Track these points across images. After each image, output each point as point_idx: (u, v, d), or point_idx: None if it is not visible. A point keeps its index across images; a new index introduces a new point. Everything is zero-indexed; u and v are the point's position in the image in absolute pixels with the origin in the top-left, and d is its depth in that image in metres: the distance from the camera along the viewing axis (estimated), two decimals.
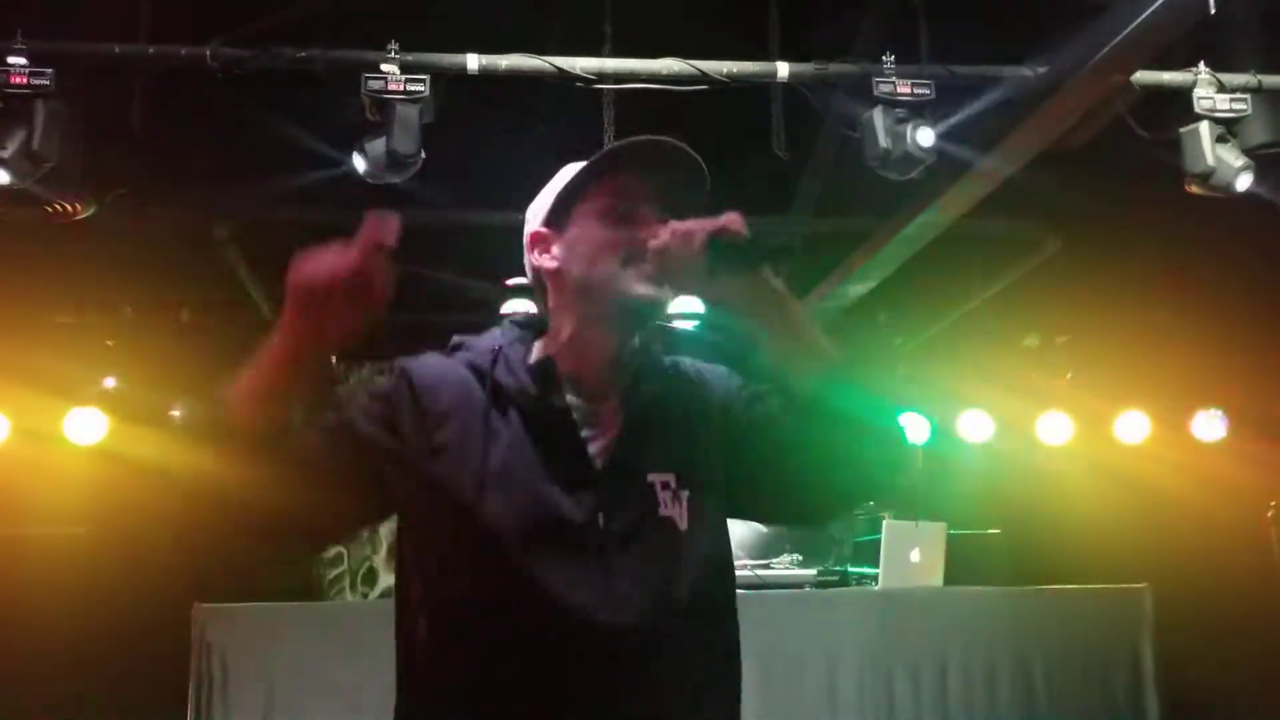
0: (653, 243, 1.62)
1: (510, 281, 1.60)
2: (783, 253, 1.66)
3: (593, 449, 1.63)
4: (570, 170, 1.73)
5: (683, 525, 1.61)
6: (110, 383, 7.03)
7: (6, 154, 3.62)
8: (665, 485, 1.61)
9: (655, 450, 1.64)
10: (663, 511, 1.59)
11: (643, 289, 1.64)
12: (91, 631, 6.51)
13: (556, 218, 1.72)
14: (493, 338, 1.72)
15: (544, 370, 1.65)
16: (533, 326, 1.75)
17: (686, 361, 1.80)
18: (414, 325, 7.73)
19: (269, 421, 1.52)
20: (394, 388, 1.64)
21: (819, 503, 1.72)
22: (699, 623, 1.60)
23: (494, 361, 1.66)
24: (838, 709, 4.69)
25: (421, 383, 1.64)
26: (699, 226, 1.58)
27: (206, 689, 4.40)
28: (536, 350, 1.70)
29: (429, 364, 1.68)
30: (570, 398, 1.65)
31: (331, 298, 1.49)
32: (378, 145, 3.80)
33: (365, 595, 7.69)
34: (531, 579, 1.51)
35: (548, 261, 1.72)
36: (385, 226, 1.50)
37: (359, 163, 3.86)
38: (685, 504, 1.62)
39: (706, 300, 1.71)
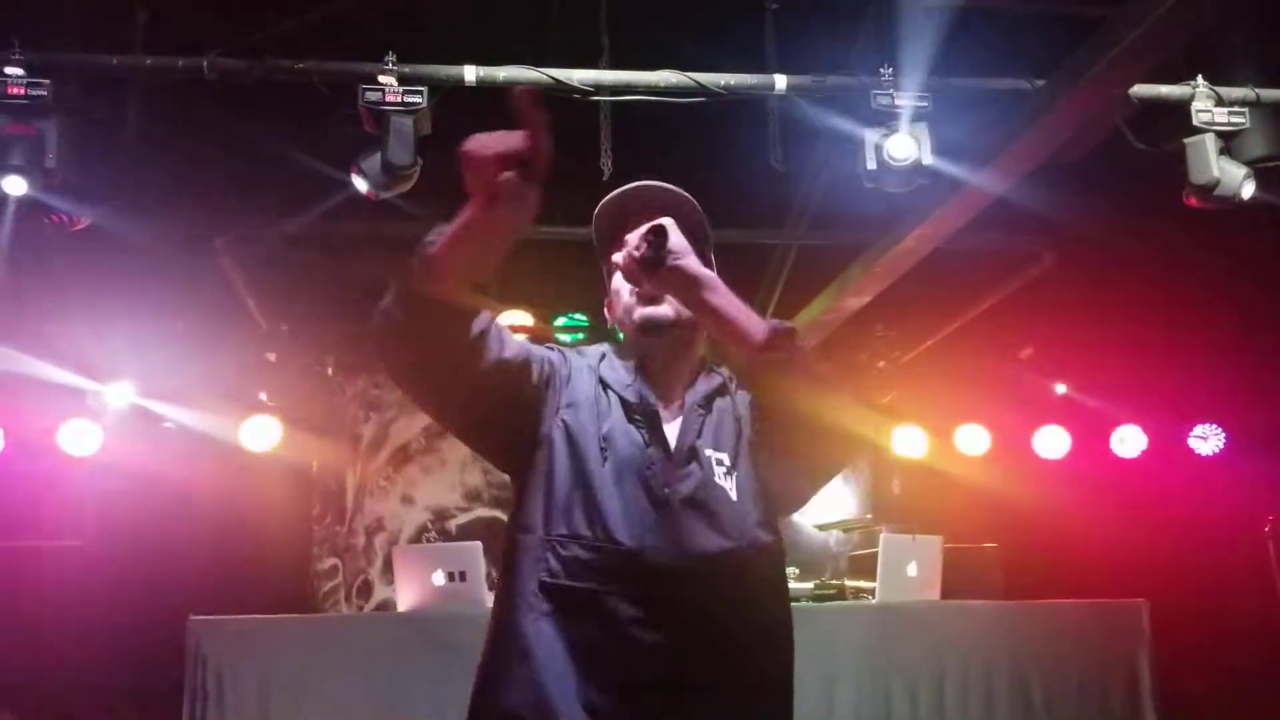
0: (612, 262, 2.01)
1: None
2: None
3: (667, 429, 2.03)
4: (598, 210, 2.16)
5: (734, 496, 1.98)
6: (105, 394, 7.01)
7: (19, 163, 3.62)
8: (719, 461, 2.01)
9: (713, 435, 2.04)
10: (717, 479, 1.98)
11: (645, 311, 2.06)
12: (86, 644, 6.48)
13: (605, 272, 2.17)
14: (601, 347, 2.17)
15: (639, 367, 2.08)
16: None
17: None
18: None
19: (453, 293, 1.80)
20: (560, 359, 2.09)
21: (802, 481, 2.08)
22: (759, 565, 1.99)
23: (600, 360, 2.11)
24: None
25: (570, 363, 2.08)
26: (630, 243, 1.92)
27: (201, 701, 4.37)
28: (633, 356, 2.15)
29: (572, 352, 2.13)
30: (652, 390, 2.07)
31: (501, 168, 1.69)
32: (374, 161, 3.81)
33: (360, 608, 7.67)
34: (634, 532, 1.90)
35: (610, 319, 2.20)
36: (535, 101, 1.68)
37: (359, 184, 3.87)
38: (735, 479, 2.00)
39: (655, 291, 2.03)
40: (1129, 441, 7.49)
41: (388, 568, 7.28)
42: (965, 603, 5.05)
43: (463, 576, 4.58)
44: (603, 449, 1.97)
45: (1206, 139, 3.81)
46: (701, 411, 2.06)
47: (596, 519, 1.91)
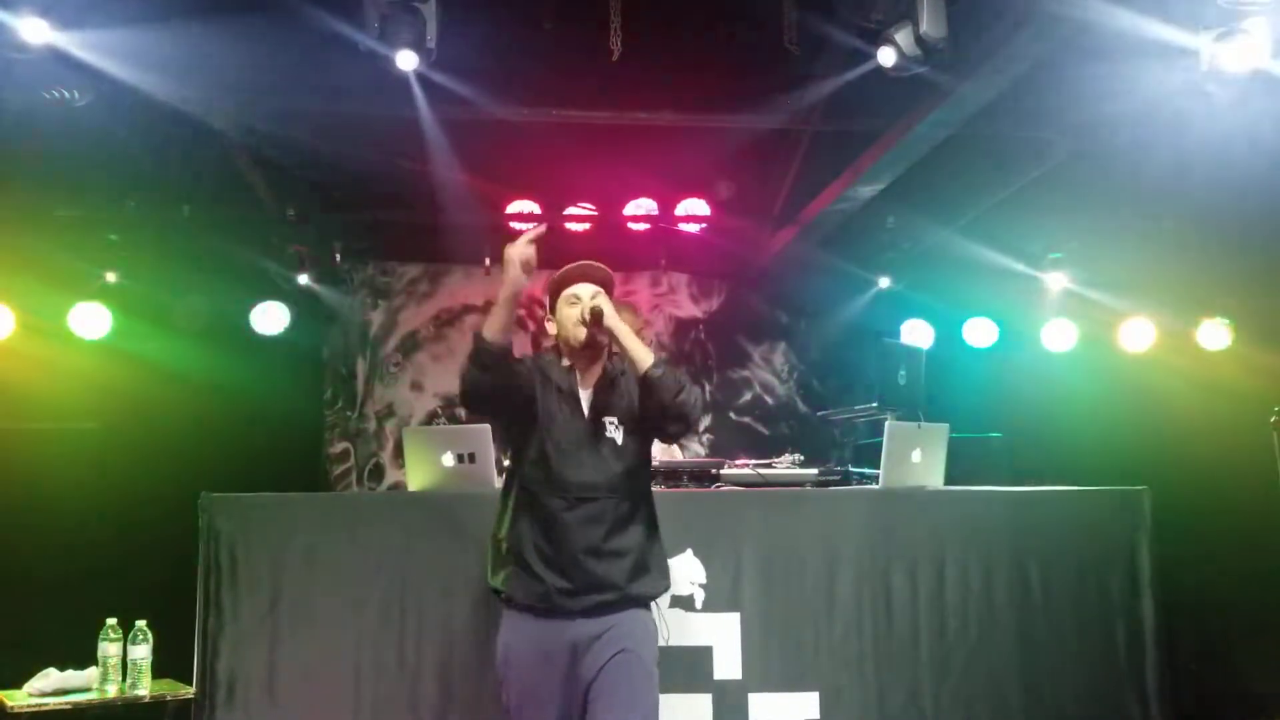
0: (579, 314, 3.49)
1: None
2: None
3: (585, 406, 3.52)
4: (556, 275, 3.57)
5: (620, 441, 3.51)
6: (113, 278, 7.01)
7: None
8: (612, 423, 3.51)
9: (608, 406, 3.53)
10: (608, 434, 3.50)
11: (584, 336, 3.48)
12: (103, 523, 6.59)
13: (551, 307, 3.60)
14: (545, 356, 3.61)
15: (568, 371, 3.56)
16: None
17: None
18: (417, 224, 7.71)
19: (505, 341, 3.32)
20: (532, 368, 3.54)
21: (659, 429, 3.58)
22: (629, 486, 3.52)
23: (548, 366, 3.57)
24: (835, 605, 4.75)
25: (537, 369, 3.55)
26: (583, 306, 3.47)
27: (215, 576, 4.44)
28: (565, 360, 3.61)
29: (533, 360, 3.59)
30: (577, 381, 3.55)
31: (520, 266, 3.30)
32: (404, 34, 3.77)
33: (372, 490, 7.78)
34: (559, 463, 3.46)
35: (552, 329, 3.62)
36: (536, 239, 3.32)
37: (407, 60, 3.87)
38: (621, 431, 3.51)
39: (591, 342, 3.49)
40: (1137, 334, 7.48)
41: (399, 452, 7.37)
42: (966, 488, 5.09)
43: (472, 458, 4.62)
44: (553, 420, 3.48)
45: None
46: (605, 392, 3.53)
47: (548, 457, 3.45)
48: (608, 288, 3.54)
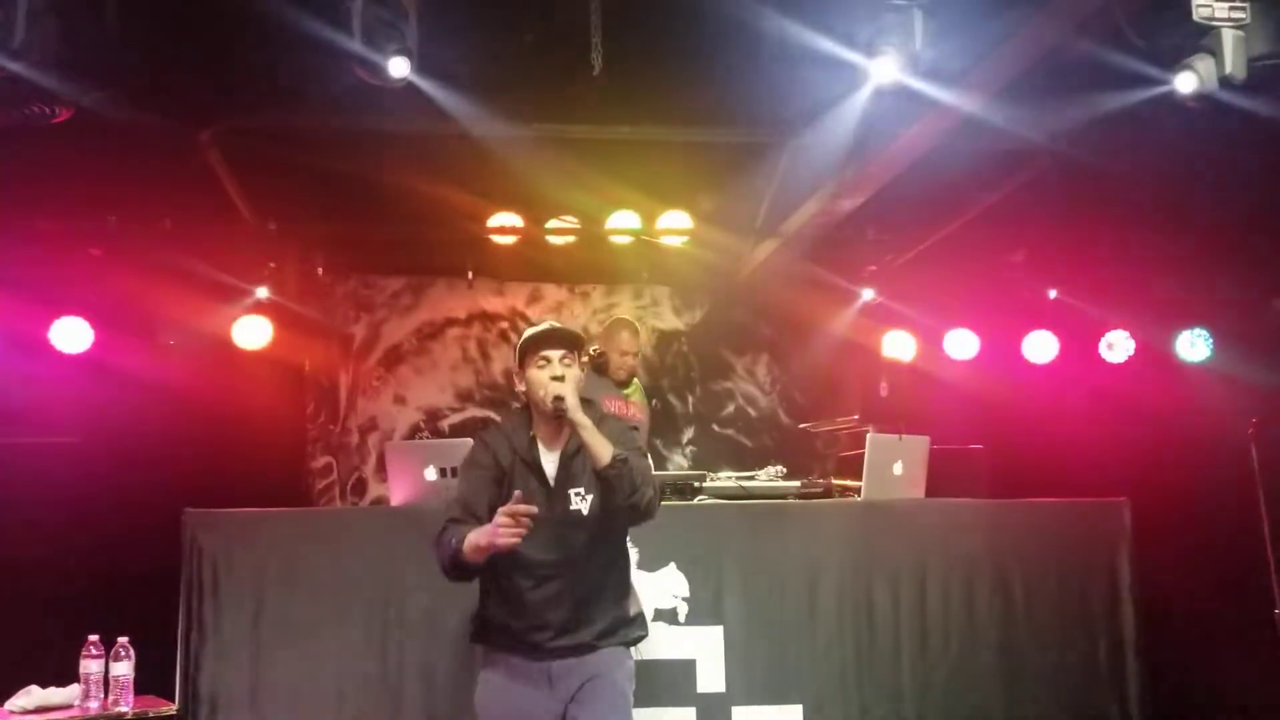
0: (547, 390, 3.46)
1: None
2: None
3: (550, 476, 3.50)
4: (526, 335, 3.58)
5: (585, 512, 3.48)
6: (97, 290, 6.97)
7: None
8: (578, 494, 3.49)
9: (574, 474, 3.50)
10: (573, 507, 3.48)
11: (551, 406, 3.41)
12: (84, 539, 6.53)
13: (521, 364, 3.56)
14: (513, 421, 3.64)
15: (531, 441, 3.54)
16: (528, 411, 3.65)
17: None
18: (399, 238, 7.70)
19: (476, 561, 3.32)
20: (489, 459, 3.55)
21: (623, 520, 3.52)
22: (597, 556, 3.52)
23: (509, 434, 3.59)
24: (818, 617, 4.78)
25: (494, 452, 3.56)
26: (546, 393, 3.43)
27: (197, 592, 4.44)
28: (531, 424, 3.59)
29: (492, 438, 3.61)
30: (541, 449, 3.53)
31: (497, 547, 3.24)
32: (390, 45, 3.81)
33: (355, 505, 7.75)
34: (520, 544, 3.24)
35: (520, 386, 3.60)
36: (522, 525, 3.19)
37: (399, 68, 3.91)
38: (588, 502, 3.48)
39: (558, 418, 3.46)
40: (1117, 346, 7.52)
41: (382, 466, 7.35)
42: (948, 500, 5.13)
43: (454, 472, 4.62)
44: (515, 494, 3.30)
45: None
46: (572, 458, 3.49)
47: (518, 546, 3.26)
48: (578, 350, 3.54)
